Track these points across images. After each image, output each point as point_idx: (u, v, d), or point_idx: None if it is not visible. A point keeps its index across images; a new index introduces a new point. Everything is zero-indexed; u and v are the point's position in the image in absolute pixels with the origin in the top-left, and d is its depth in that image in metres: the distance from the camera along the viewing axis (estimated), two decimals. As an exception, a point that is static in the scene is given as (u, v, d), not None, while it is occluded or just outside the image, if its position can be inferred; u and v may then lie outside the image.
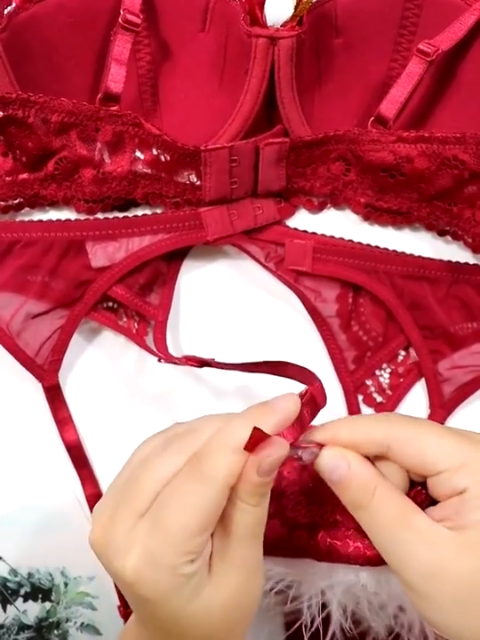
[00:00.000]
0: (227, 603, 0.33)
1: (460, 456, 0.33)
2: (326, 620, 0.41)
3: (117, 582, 0.34)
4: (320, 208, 0.51)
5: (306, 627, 0.41)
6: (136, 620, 0.37)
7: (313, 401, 0.35)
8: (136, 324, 0.52)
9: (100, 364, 0.53)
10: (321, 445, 0.35)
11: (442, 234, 0.50)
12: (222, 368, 0.46)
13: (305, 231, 0.50)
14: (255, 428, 0.31)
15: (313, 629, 0.41)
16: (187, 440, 0.34)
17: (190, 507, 0.31)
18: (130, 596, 0.34)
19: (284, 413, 0.33)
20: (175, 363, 0.48)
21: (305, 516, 0.40)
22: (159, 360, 0.49)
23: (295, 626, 0.42)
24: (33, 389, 0.51)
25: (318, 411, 0.35)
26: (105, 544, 0.33)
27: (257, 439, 0.31)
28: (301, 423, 0.34)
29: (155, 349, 0.50)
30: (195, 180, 0.48)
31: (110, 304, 0.51)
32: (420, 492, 0.36)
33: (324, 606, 0.41)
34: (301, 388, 0.36)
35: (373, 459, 0.36)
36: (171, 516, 0.31)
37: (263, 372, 0.42)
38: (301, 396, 0.35)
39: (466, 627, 0.32)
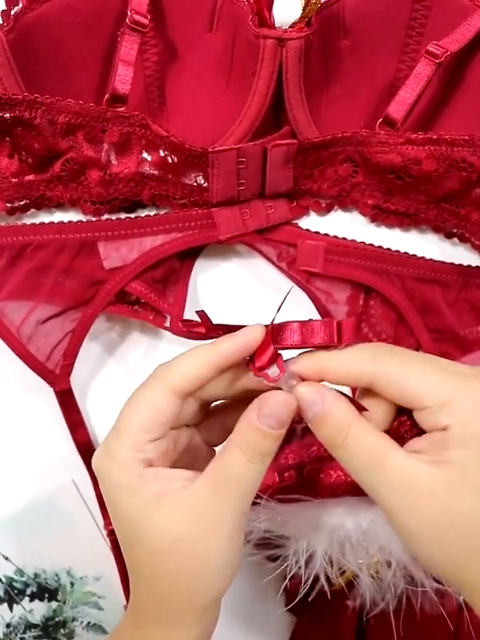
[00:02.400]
0: (188, 539, 0.34)
1: (445, 393, 0.33)
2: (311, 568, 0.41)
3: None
4: (327, 210, 0.51)
5: (290, 569, 0.41)
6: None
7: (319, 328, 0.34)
8: (152, 317, 0.51)
9: (111, 365, 0.53)
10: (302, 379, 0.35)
11: (449, 236, 0.50)
12: None
13: (317, 232, 0.50)
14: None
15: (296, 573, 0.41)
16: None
17: (136, 406, 0.35)
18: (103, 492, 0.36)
19: (243, 338, 0.34)
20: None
21: (293, 459, 0.41)
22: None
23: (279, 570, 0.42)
24: (44, 391, 0.51)
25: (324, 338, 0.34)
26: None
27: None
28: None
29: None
30: (202, 181, 0.48)
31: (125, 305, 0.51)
32: (404, 422, 0.35)
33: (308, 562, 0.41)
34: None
35: (360, 389, 0.36)
36: (122, 415, 0.35)
37: None
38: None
39: (446, 558, 0.33)
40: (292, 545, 0.40)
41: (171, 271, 0.51)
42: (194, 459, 0.38)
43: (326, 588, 0.42)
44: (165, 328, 0.50)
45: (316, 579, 0.42)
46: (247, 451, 0.33)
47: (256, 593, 0.53)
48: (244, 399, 0.35)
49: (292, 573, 0.42)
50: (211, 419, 0.39)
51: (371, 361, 0.34)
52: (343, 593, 0.47)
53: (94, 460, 0.35)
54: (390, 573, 0.41)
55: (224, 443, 0.35)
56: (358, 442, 0.33)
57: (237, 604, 0.53)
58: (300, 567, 0.40)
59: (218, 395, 0.37)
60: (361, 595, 0.44)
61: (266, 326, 0.35)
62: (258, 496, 0.38)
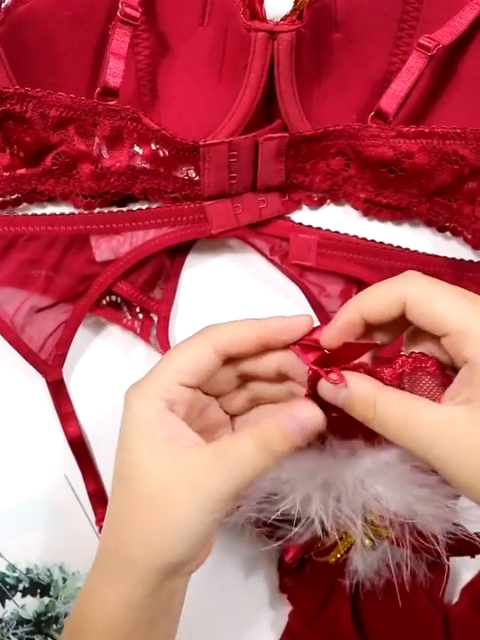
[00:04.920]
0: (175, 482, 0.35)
1: (468, 322, 0.33)
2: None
3: None
4: (320, 203, 0.51)
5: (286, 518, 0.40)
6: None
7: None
8: (139, 322, 0.52)
9: (105, 358, 0.53)
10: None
11: (441, 230, 0.50)
12: None
13: (309, 226, 0.50)
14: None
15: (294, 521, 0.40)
16: None
17: (176, 351, 0.38)
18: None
19: (290, 321, 0.37)
20: None
21: None
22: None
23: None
24: (36, 383, 0.51)
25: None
26: None
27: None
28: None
29: (158, 345, 0.51)
30: (193, 175, 0.48)
31: (114, 298, 0.51)
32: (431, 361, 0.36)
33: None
34: None
35: None
36: (161, 359, 0.38)
37: None
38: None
39: None
40: (288, 495, 0.39)
41: (160, 269, 0.51)
42: (210, 437, 0.39)
43: (324, 538, 0.41)
44: (150, 343, 0.51)
45: (308, 545, 0.41)
46: (259, 439, 0.35)
47: (250, 575, 0.53)
48: (275, 380, 0.39)
49: (286, 537, 0.41)
50: (239, 389, 0.41)
51: (402, 284, 0.35)
52: (336, 570, 0.47)
53: (125, 393, 0.37)
54: (386, 528, 0.40)
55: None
56: (386, 409, 0.34)
57: (230, 586, 0.53)
58: (294, 522, 0.39)
59: (254, 369, 0.39)
60: (354, 571, 0.44)
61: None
62: None
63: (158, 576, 0.35)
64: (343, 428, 0.37)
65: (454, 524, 0.38)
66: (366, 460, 0.38)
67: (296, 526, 0.40)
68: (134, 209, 0.49)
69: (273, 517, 0.40)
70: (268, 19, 0.45)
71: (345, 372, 0.35)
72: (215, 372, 0.38)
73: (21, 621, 0.54)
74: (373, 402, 0.34)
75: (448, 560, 0.41)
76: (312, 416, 0.35)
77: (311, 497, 0.38)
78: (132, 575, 0.36)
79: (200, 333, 0.38)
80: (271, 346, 0.38)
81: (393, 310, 0.35)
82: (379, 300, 0.35)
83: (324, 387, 0.35)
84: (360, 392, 0.34)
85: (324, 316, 0.51)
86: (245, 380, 0.41)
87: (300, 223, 0.50)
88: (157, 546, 0.35)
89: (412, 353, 0.36)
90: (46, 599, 0.54)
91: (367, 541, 0.43)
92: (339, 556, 0.47)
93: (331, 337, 0.36)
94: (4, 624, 0.54)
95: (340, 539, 0.46)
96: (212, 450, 0.35)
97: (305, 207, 0.51)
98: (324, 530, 0.40)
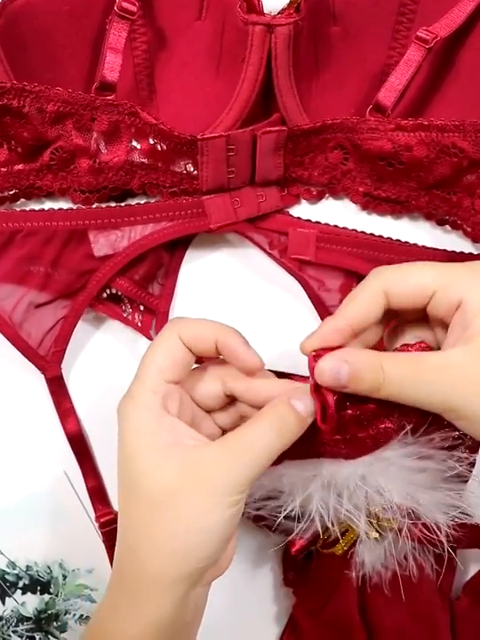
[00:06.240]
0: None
1: (445, 275, 0.36)
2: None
3: None
4: (319, 198, 0.51)
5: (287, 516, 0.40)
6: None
7: None
8: (140, 316, 0.51)
9: (104, 354, 0.53)
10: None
11: (441, 223, 0.50)
12: None
13: (308, 220, 0.50)
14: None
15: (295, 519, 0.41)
16: None
17: (152, 351, 0.38)
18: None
19: (241, 341, 0.38)
20: None
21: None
22: None
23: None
24: (35, 379, 0.51)
25: None
26: None
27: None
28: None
29: None
30: (191, 169, 0.48)
31: (114, 290, 0.51)
32: (420, 344, 0.37)
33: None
34: None
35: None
36: (142, 363, 0.38)
37: None
38: None
39: None
40: (288, 495, 0.39)
41: (159, 265, 0.51)
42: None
43: (328, 532, 0.41)
44: (150, 337, 0.51)
45: (313, 541, 0.41)
46: (273, 417, 0.35)
47: (254, 568, 0.53)
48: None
49: (288, 532, 0.41)
50: (231, 406, 0.41)
51: (376, 282, 0.37)
52: (342, 562, 0.47)
53: (118, 406, 0.37)
54: (390, 520, 0.41)
55: None
56: (395, 369, 0.34)
57: (234, 579, 0.53)
58: (295, 517, 0.40)
59: (243, 396, 0.39)
60: (360, 563, 0.44)
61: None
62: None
63: (185, 586, 0.35)
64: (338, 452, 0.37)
65: (461, 512, 0.38)
66: (365, 459, 0.38)
67: (297, 522, 0.40)
68: (132, 204, 0.49)
69: (271, 514, 0.40)
70: (265, 12, 0.45)
71: (342, 350, 0.36)
72: (191, 362, 0.38)
73: (21, 619, 0.54)
74: (380, 365, 0.34)
75: (454, 552, 0.41)
76: (311, 406, 0.36)
77: (311, 495, 0.39)
78: (159, 591, 0.35)
79: (166, 327, 0.39)
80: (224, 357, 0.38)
81: (377, 307, 0.37)
82: (360, 302, 0.37)
83: (324, 371, 0.35)
84: (365, 360, 0.35)
85: (324, 311, 0.50)
86: (234, 398, 0.41)
87: (298, 217, 0.50)
88: (182, 551, 0.34)
89: (405, 344, 0.37)
90: (46, 596, 0.53)
91: (373, 534, 0.43)
92: (346, 547, 0.47)
93: (312, 343, 0.36)
94: (4, 622, 0.54)
95: (346, 531, 0.46)
96: (220, 442, 0.35)
97: (304, 201, 0.51)
98: (325, 526, 0.40)
